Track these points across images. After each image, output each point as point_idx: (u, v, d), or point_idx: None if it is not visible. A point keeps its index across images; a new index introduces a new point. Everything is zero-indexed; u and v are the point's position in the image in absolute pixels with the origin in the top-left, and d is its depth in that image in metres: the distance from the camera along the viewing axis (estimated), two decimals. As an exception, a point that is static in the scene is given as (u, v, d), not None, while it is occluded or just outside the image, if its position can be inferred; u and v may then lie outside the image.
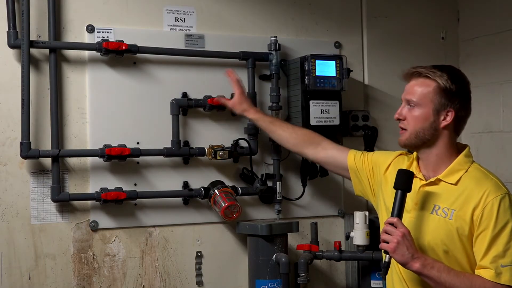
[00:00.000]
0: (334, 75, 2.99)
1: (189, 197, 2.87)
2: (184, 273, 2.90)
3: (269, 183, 3.00)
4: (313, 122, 2.98)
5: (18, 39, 2.58)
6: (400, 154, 2.32)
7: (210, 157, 2.85)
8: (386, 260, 2.05)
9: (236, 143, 2.95)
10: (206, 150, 2.86)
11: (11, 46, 2.59)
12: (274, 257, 2.80)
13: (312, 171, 3.08)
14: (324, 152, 2.53)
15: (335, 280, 3.22)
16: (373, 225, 2.97)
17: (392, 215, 2.05)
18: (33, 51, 2.63)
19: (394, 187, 2.08)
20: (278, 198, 3.00)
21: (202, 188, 2.85)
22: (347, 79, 3.02)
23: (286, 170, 3.08)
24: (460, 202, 2.04)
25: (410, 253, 1.98)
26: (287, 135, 2.63)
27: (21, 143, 2.57)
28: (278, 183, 3.00)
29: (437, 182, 2.11)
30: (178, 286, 2.88)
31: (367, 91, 3.33)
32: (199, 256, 2.92)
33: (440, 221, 2.05)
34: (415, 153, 2.23)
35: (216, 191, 2.84)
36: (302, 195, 3.09)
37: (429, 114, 2.10)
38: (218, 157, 2.84)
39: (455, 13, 3.59)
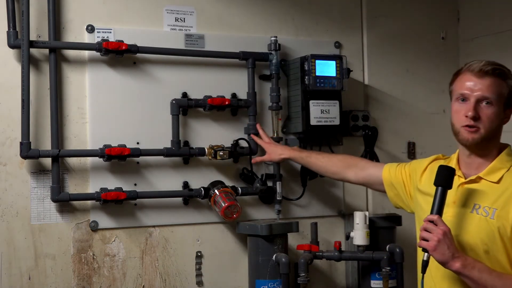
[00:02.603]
0: (334, 75, 2.99)
1: (189, 197, 2.87)
2: (184, 273, 2.89)
3: (269, 183, 3.00)
4: (313, 122, 2.98)
5: (18, 39, 2.58)
6: (436, 159, 2.28)
7: (210, 157, 2.85)
8: (425, 258, 1.99)
9: (236, 143, 2.95)
10: (206, 150, 2.86)
11: (11, 46, 2.59)
12: (274, 257, 2.80)
13: (312, 171, 3.08)
14: (363, 172, 2.57)
15: (335, 280, 3.22)
16: (373, 225, 2.97)
17: (432, 212, 2.00)
18: (33, 51, 2.63)
19: (435, 184, 2.03)
20: (278, 198, 3.00)
21: (202, 188, 2.85)
22: (347, 79, 3.02)
23: (286, 170, 3.08)
24: (502, 201, 2.00)
25: (450, 252, 1.93)
26: (325, 165, 2.72)
27: (21, 143, 2.57)
28: (278, 183, 3.00)
29: (477, 180, 2.07)
30: (178, 286, 2.88)
31: (367, 91, 3.33)
32: (199, 256, 2.92)
33: (481, 221, 2.01)
34: (454, 154, 2.20)
35: (216, 191, 2.84)
36: (302, 195, 3.09)
37: (501, 112, 2.07)
38: (218, 157, 2.84)
39: (455, 13, 3.59)
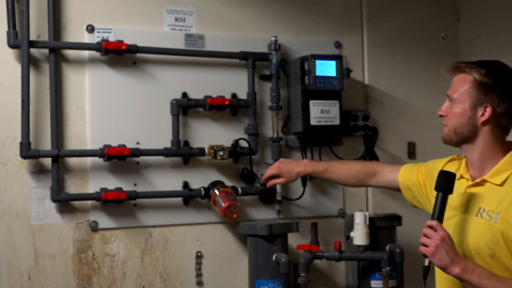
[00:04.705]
0: (334, 75, 2.99)
1: (189, 197, 2.87)
2: (184, 273, 2.89)
3: (269, 183, 3.00)
4: (313, 122, 2.98)
5: (18, 39, 2.58)
6: (452, 159, 2.25)
7: (210, 157, 2.85)
8: (426, 264, 1.99)
9: (236, 143, 2.94)
10: (206, 150, 2.86)
11: (11, 46, 2.59)
12: (274, 257, 2.80)
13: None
14: (382, 180, 2.53)
15: (335, 280, 3.22)
16: (373, 225, 2.97)
17: (432, 218, 1.99)
18: (33, 51, 2.63)
19: (435, 189, 2.03)
20: (278, 198, 2.99)
21: (202, 188, 2.85)
22: (347, 79, 3.02)
23: (286, 170, 3.08)
24: (505, 205, 1.97)
25: (449, 257, 1.92)
26: (343, 178, 2.64)
27: (21, 143, 2.57)
28: (278, 183, 3.00)
29: (482, 183, 2.05)
30: (178, 286, 2.88)
31: (367, 91, 3.32)
32: (199, 256, 2.92)
33: (485, 225, 1.99)
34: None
35: (216, 191, 2.84)
36: (302, 195, 3.09)
37: (466, 110, 2.05)
38: (218, 157, 2.84)
39: (455, 13, 3.59)
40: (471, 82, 2.04)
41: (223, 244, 2.97)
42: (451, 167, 2.18)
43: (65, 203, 2.68)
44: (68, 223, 2.69)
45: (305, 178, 3.08)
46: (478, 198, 2.05)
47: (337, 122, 3.03)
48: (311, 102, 2.98)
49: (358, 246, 2.93)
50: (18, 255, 2.62)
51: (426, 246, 1.96)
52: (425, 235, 1.97)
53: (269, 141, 3.02)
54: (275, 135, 3.00)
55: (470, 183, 2.09)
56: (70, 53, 2.71)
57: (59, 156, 2.64)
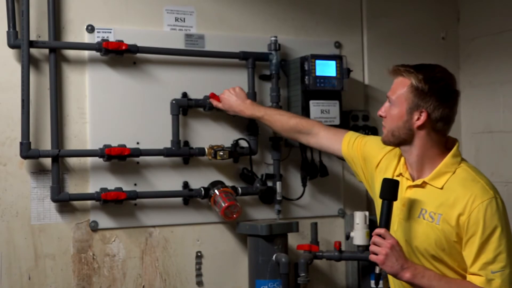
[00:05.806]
0: (334, 75, 2.99)
1: (189, 197, 2.87)
2: (184, 273, 2.90)
3: (269, 183, 3.00)
4: (313, 122, 2.98)
5: (18, 39, 2.58)
6: (393, 148, 2.27)
7: (210, 157, 2.85)
8: (377, 271, 2.05)
9: (236, 143, 2.94)
10: (206, 150, 2.86)
11: (11, 46, 2.59)
12: (274, 257, 2.80)
13: (312, 171, 3.08)
14: (317, 142, 2.59)
15: (335, 280, 3.22)
16: (373, 225, 2.97)
17: (380, 226, 2.04)
18: (33, 51, 2.63)
19: (380, 197, 2.06)
20: (278, 198, 2.99)
21: (202, 188, 2.85)
22: (347, 79, 3.02)
23: (286, 170, 3.08)
24: (446, 207, 2.01)
25: (399, 264, 1.98)
26: (277, 129, 2.75)
27: (21, 143, 2.57)
28: (278, 183, 3.00)
29: (423, 185, 2.09)
30: (178, 286, 2.88)
31: (367, 91, 3.33)
32: (199, 256, 2.92)
33: (428, 226, 2.04)
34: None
35: (216, 191, 2.84)
36: (302, 195, 3.09)
37: (403, 113, 2.07)
38: (218, 157, 2.84)
39: (455, 13, 3.59)
40: (408, 87, 2.07)
41: (223, 244, 2.97)
42: (390, 158, 2.22)
43: (65, 203, 2.68)
44: (68, 223, 2.70)
45: (305, 178, 3.08)
46: (420, 200, 2.08)
47: (337, 122, 3.03)
48: (311, 102, 2.98)
49: (358, 246, 2.93)
50: (18, 255, 2.62)
51: (376, 254, 2.00)
52: (375, 243, 2.01)
53: (269, 141, 3.02)
54: (275, 135, 3.00)
55: (410, 183, 2.12)
56: (70, 53, 2.71)
57: (59, 156, 2.64)
